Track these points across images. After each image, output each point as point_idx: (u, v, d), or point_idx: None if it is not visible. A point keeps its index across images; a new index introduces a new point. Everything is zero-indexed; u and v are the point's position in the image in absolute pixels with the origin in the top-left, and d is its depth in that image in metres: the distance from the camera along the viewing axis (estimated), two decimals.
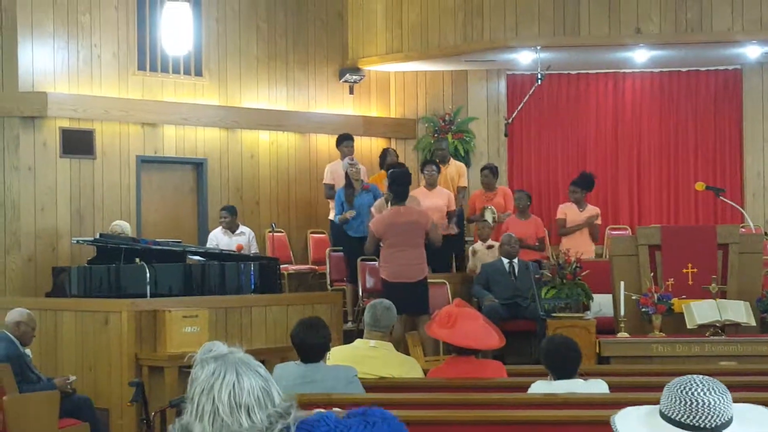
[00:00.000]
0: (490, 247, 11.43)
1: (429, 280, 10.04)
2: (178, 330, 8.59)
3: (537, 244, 11.51)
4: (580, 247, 10.80)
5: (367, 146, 13.83)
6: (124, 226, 10.93)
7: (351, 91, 14.02)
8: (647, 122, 14.26)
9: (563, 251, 9.69)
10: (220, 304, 9.28)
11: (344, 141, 12.40)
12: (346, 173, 11.58)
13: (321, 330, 5.58)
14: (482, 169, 12.31)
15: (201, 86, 12.72)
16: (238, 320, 9.28)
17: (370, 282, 11.11)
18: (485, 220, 11.67)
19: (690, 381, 2.83)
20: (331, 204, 12.30)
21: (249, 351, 9.05)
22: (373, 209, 10.89)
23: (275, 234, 12.31)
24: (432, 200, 11.27)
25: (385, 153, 12.71)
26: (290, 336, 5.65)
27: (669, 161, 14.20)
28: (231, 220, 11.77)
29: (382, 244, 9.82)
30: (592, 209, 11.72)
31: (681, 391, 2.81)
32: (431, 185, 11.56)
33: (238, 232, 11.83)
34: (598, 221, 11.73)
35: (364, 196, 11.38)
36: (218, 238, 11.69)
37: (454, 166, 12.66)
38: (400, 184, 9.93)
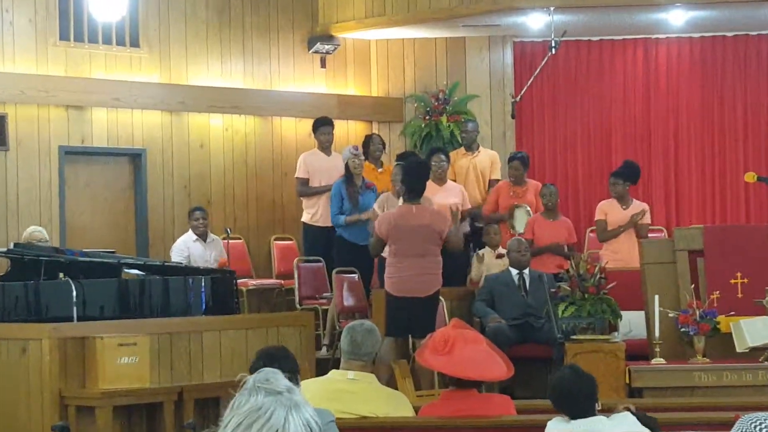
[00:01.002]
0: (500, 256, 11.39)
1: None
2: (111, 361, 8.57)
3: (568, 250, 11.53)
4: (625, 253, 10.80)
5: (344, 131, 13.83)
6: (41, 234, 10.90)
7: (323, 64, 14.02)
8: (686, 99, 14.30)
9: (586, 259, 9.67)
10: (164, 328, 9.26)
11: (321, 126, 12.41)
12: (347, 165, 11.56)
13: (285, 362, 5.54)
14: (510, 159, 12.29)
15: (138, 59, 12.69)
16: (187, 348, 9.26)
17: (348, 300, 11.12)
18: (508, 220, 11.62)
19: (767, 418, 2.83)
20: (305, 202, 12.30)
21: (200, 385, 9.01)
22: (376, 206, 10.88)
23: (231, 241, 12.30)
24: (441, 198, 11.18)
25: (368, 141, 12.72)
26: (249, 372, 5.64)
27: (713, 147, 14.24)
28: (207, 223, 11.81)
29: (387, 250, 9.84)
30: (638, 205, 11.67)
31: (754, 427, 2.81)
32: (440, 179, 11.52)
33: (209, 240, 11.84)
34: (646, 219, 11.65)
35: (368, 196, 11.39)
36: (191, 248, 11.66)
37: (486, 155, 12.68)
38: (415, 178, 9.90)
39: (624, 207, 11.58)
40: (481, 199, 12.39)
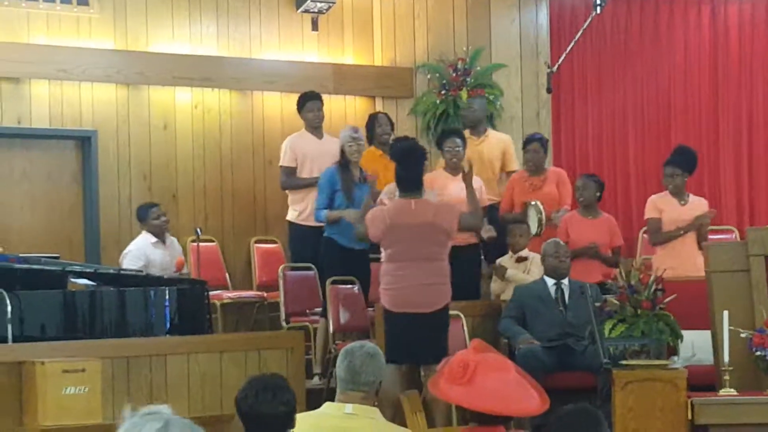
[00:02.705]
0: (521, 259, 11.43)
1: None
2: (55, 391, 8.57)
3: (611, 254, 11.52)
4: (686, 260, 10.78)
5: (340, 109, 13.83)
6: None
7: (315, 27, 14.02)
8: (762, 70, 14.31)
9: (639, 267, 9.64)
10: (120, 351, 9.27)
11: (308, 102, 12.39)
12: (342, 151, 11.52)
13: (282, 394, 5.56)
14: (526, 142, 12.25)
15: (87, 21, 12.70)
16: (147, 376, 9.27)
17: (345, 315, 11.12)
18: (524, 223, 11.64)
19: None
20: (291, 197, 12.29)
21: None
22: (384, 197, 10.86)
23: (201, 244, 12.30)
24: (457, 189, 11.16)
25: (372, 120, 12.70)
26: (236, 401, 5.64)
27: None
28: (168, 222, 11.87)
29: (383, 255, 9.81)
30: (698, 201, 11.57)
31: None
32: (454, 168, 11.50)
33: (168, 242, 11.87)
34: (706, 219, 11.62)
35: (364, 190, 11.33)
36: (149, 255, 11.64)
37: (496, 140, 12.62)
38: (408, 167, 9.87)
39: (682, 203, 11.52)
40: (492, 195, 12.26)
